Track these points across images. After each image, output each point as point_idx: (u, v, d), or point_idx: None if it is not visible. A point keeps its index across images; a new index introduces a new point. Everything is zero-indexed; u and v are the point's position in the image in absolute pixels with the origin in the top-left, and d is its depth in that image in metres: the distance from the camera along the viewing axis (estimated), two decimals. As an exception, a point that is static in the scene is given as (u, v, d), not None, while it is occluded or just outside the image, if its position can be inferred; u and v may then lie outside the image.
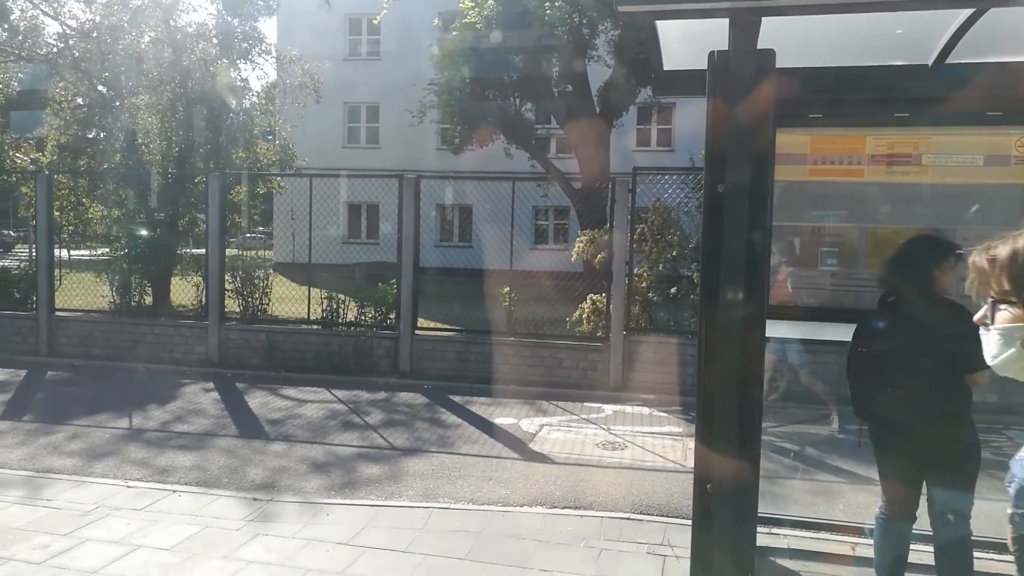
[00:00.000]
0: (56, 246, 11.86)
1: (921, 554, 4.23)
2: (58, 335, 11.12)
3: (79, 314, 11.33)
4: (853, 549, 4.27)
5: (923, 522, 3.76)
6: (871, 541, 4.28)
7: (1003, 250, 2.13)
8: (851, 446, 7.10)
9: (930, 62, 3.97)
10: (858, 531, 4.33)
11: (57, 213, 12.66)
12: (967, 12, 3.53)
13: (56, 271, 11.47)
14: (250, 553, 4.42)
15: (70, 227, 14.28)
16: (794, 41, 3.54)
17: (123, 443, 6.81)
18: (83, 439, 6.91)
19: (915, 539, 4.21)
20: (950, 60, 3.91)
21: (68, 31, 15.01)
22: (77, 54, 14.74)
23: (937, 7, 3.48)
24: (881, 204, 3.96)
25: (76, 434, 7.08)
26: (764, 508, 3.74)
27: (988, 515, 5.26)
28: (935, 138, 3.92)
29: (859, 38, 3.90)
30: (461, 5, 16.69)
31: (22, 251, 14.76)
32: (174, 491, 5.48)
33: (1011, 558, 3.98)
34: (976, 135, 3.92)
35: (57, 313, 11.22)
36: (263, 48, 16.69)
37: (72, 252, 15.45)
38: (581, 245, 10.31)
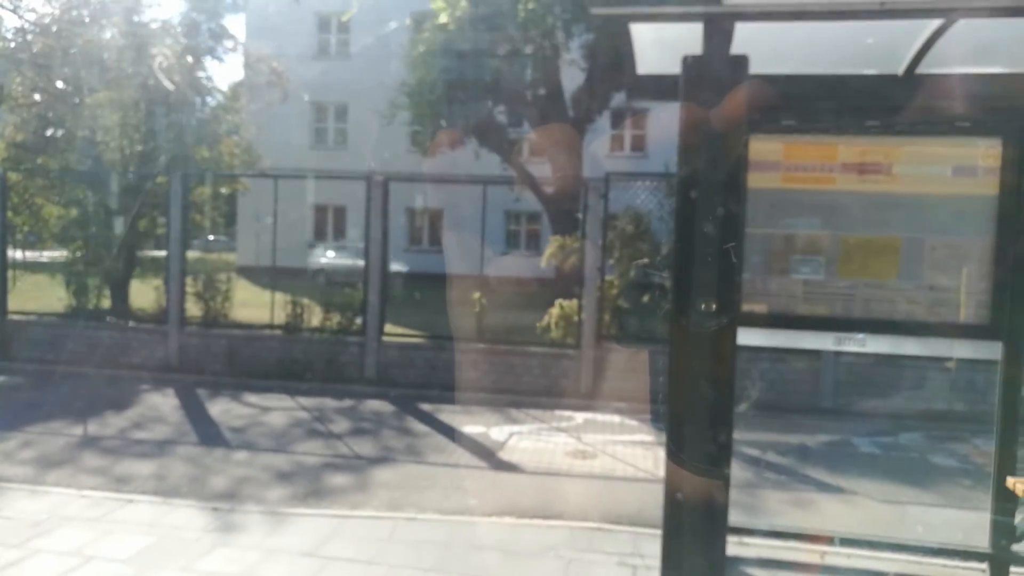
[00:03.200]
0: (10, 247, 11.49)
1: (917, 565, 4.25)
2: (11, 339, 10.77)
3: (33, 317, 10.99)
4: (823, 558, 4.26)
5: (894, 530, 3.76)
6: (840, 550, 4.30)
7: None
8: (821, 455, 7.17)
9: (900, 71, 3.99)
10: (828, 540, 4.33)
11: (11, 213, 12.27)
12: (936, 23, 3.55)
13: (10, 273, 11.11)
14: (209, 564, 4.28)
15: (25, 227, 13.86)
16: (768, 47, 3.52)
17: (78, 451, 6.59)
18: (36, 447, 6.67)
19: (901, 548, 4.22)
20: (920, 70, 3.93)
21: (27, 25, 14.59)
22: (36, 50, 14.33)
23: (906, 17, 3.50)
24: (853, 212, 3.96)
25: (29, 441, 6.83)
26: (735, 517, 3.71)
27: (956, 524, 5.33)
28: (905, 148, 3.94)
29: (831, 46, 3.90)
30: (433, 5, 16.61)
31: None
32: (131, 500, 5.31)
33: (980, 565, 4.03)
34: (945, 146, 3.95)
35: (10, 316, 10.87)
36: (230, 46, 16.39)
37: (27, 253, 15.01)
38: (551, 251, 10.28)
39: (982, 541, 4.02)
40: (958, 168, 3.89)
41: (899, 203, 3.94)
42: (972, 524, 4.96)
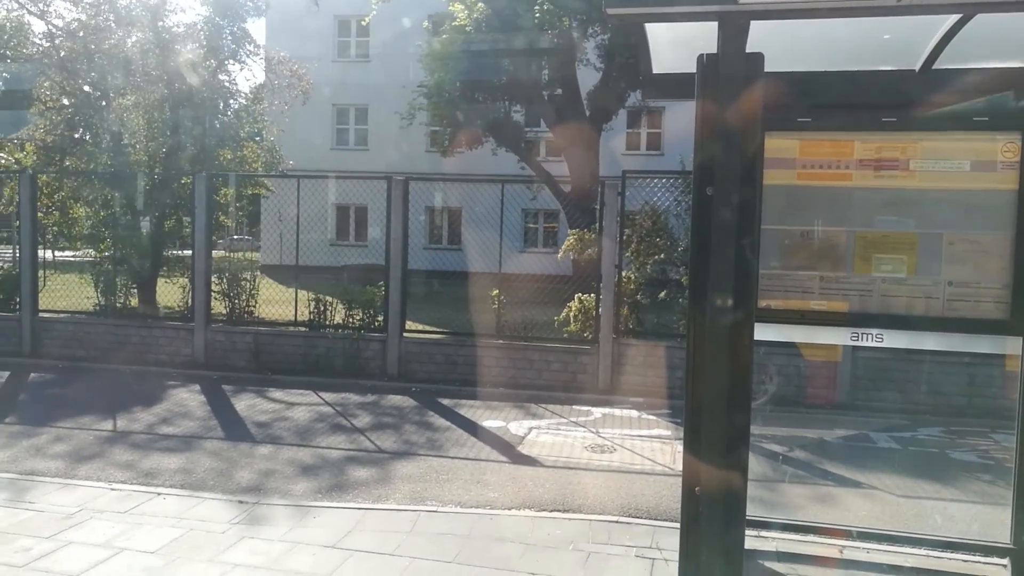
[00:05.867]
0: (40, 247, 11.74)
1: (937, 560, 4.25)
2: (41, 336, 11.01)
3: (63, 315, 11.23)
4: (841, 552, 4.28)
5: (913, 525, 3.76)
6: (858, 544, 4.31)
7: None
8: (839, 450, 7.15)
9: (917, 67, 4.00)
10: (846, 534, 4.34)
11: (41, 214, 12.54)
12: (954, 18, 3.56)
13: (40, 272, 11.37)
14: (235, 556, 4.38)
15: (55, 228, 14.15)
16: (783, 45, 3.55)
17: (108, 445, 6.74)
18: (67, 441, 6.83)
19: (920, 543, 4.22)
20: (937, 65, 3.93)
21: (54, 30, 14.89)
22: (63, 54, 14.62)
23: (924, 12, 3.50)
24: (869, 208, 3.97)
25: (60, 436, 7.00)
26: (752, 511, 3.74)
27: (976, 519, 5.31)
28: (922, 143, 3.93)
29: (847, 43, 3.92)
30: (451, 8, 16.72)
31: (5, 252, 14.56)
32: (159, 494, 5.43)
33: (1001, 560, 4.02)
34: (962, 141, 3.94)
35: (41, 314, 11.12)
36: (252, 49, 16.59)
37: (57, 253, 15.31)
38: (570, 243, 10.32)
39: (1003, 536, 4.01)
40: (976, 163, 3.89)
41: (916, 198, 3.94)
42: (993, 519, 4.96)
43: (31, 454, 6.43)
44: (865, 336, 3.97)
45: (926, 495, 5.85)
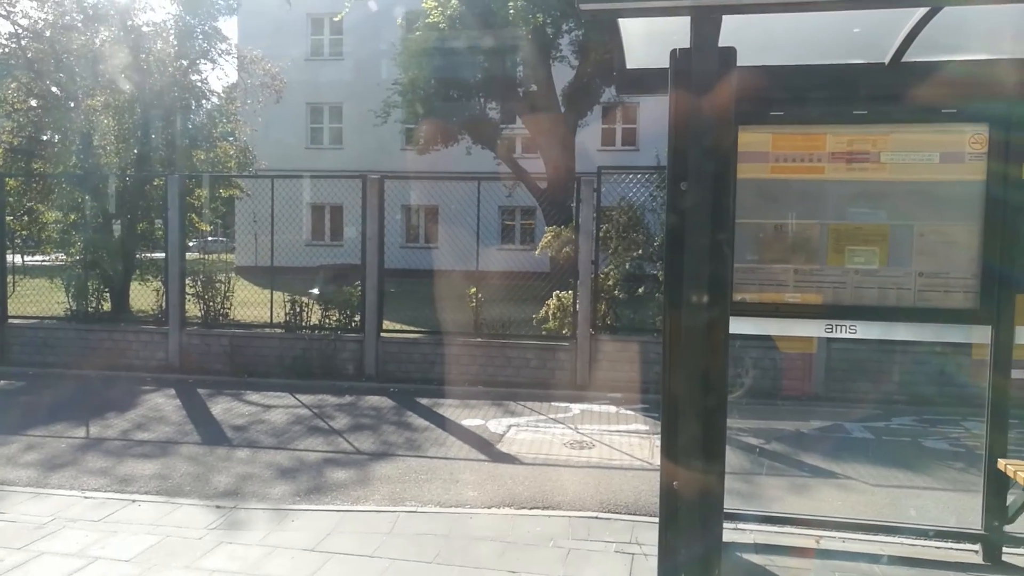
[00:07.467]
0: (8, 251, 11.51)
1: (911, 548, 4.30)
2: (11, 343, 10.80)
3: (33, 321, 11.03)
4: (818, 542, 4.32)
5: (887, 514, 3.80)
6: (835, 534, 4.35)
7: None
8: (814, 441, 7.23)
9: (887, 60, 4.04)
10: (822, 524, 4.39)
11: (9, 218, 12.29)
12: (922, 11, 3.60)
13: (9, 277, 11.14)
14: (213, 562, 4.32)
15: (23, 232, 13.89)
16: (755, 40, 3.57)
17: (81, 453, 6.63)
18: (39, 450, 6.71)
19: (895, 532, 4.27)
20: (906, 59, 3.98)
21: (20, 31, 14.60)
22: (30, 54, 14.35)
23: (892, 5, 3.54)
24: (842, 200, 4.01)
25: (31, 444, 6.87)
26: (730, 504, 3.77)
27: (949, 506, 5.40)
28: (893, 136, 3.98)
29: (818, 37, 3.95)
30: (424, 5, 16.65)
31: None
32: (134, 500, 5.35)
33: (972, 546, 4.08)
34: (932, 133, 4.00)
35: (10, 320, 10.91)
36: (224, 48, 16.40)
37: (26, 258, 15.04)
38: (547, 240, 10.33)
39: (975, 523, 4.08)
40: (945, 155, 3.95)
41: (887, 191, 3.99)
42: (964, 506, 5.04)
43: (1, 463, 6.30)
44: (839, 328, 4.02)
45: (900, 484, 5.93)
